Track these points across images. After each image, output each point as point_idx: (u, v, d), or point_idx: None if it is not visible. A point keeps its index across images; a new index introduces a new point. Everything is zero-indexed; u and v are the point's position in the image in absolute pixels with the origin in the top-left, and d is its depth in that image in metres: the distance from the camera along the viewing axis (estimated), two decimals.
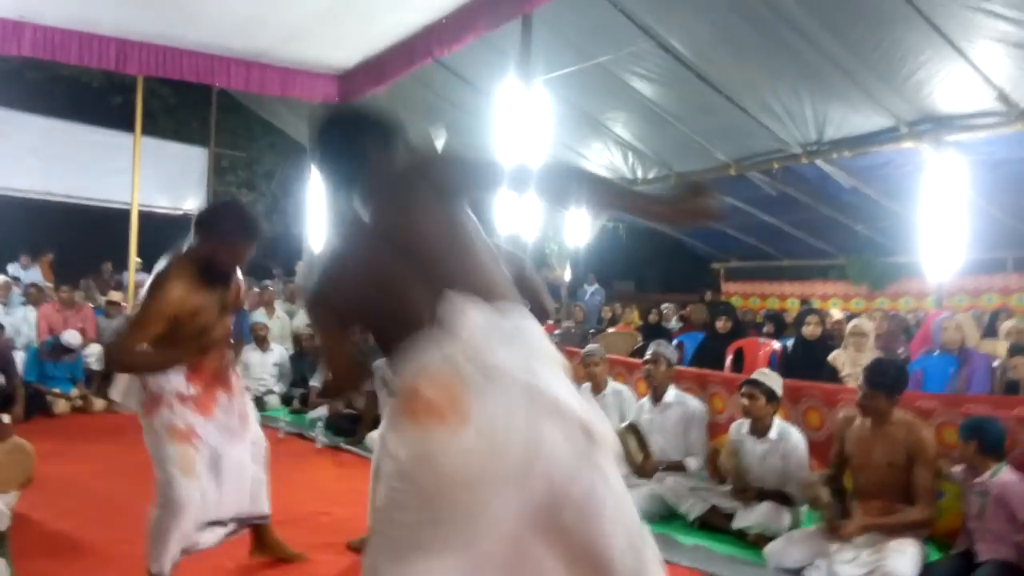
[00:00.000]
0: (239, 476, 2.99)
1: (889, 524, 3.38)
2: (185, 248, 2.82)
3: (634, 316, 9.64)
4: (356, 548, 3.48)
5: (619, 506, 1.59)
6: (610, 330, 8.98)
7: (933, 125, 6.55)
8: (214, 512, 2.91)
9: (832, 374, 5.09)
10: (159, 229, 9.19)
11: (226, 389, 3.02)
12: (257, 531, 3.26)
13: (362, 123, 1.90)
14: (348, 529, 3.68)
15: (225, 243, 2.77)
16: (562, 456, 1.52)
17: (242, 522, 3.11)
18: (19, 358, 6.91)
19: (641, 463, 4.45)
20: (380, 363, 2.95)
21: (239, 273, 3.03)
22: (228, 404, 3.00)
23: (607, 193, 1.81)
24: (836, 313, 8.05)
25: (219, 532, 3.02)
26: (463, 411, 1.49)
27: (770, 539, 3.64)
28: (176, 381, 2.85)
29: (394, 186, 1.78)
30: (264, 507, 3.16)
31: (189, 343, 2.81)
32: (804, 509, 3.98)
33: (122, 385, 2.96)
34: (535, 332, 1.66)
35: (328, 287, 1.80)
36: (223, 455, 2.91)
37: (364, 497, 3.93)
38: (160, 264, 2.80)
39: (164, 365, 2.81)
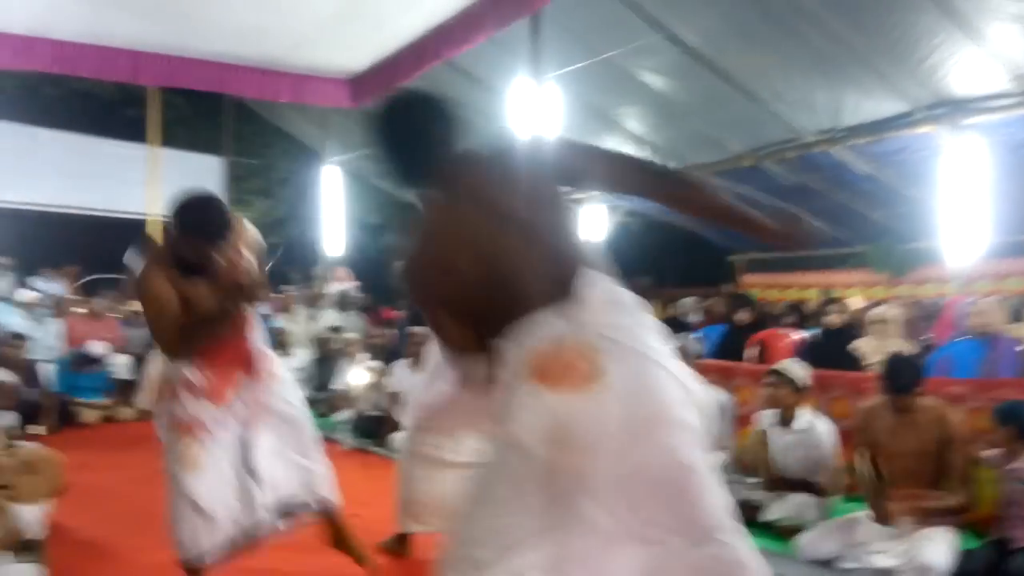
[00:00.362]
0: (269, 463, 2.90)
1: (932, 507, 3.35)
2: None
3: (653, 310, 9.60)
4: (389, 549, 3.50)
5: (707, 466, 1.67)
6: None
7: (949, 108, 6.48)
8: (245, 500, 2.83)
9: (856, 363, 5.06)
10: None
11: (247, 372, 2.90)
12: (325, 521, 3.15)
13: (436, 106, 1.94)
14: (378, 530, 3.70)
15: (186, 236, 2.69)
16: (676, 419, 1.61)
17: (291, 509, 2.99)
18: (48, 370, 7.00)
19: None
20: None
21: (244, 255, 2.86)
22: (249, 389, 2.89)
23: (707, 198, 1.83)
24: (858, 302, 7.98)
25: (273, 519, 2.92)
26: (602, 377, 1.55)
27: (800, 530, 3.62)
28: (183, 367, 2.77)
29: (497, 165, 1.82)
30: (316, 494, 3.04)
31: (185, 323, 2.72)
32: (834, 500, 3.95)
33: (149, 391, 2.97)
34: (631, 299, 1.73)
35: (425, 269, 1.79)
36: (247, 442, 2.85)
37: (392, 497, 3.97)
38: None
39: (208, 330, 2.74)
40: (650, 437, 1.59)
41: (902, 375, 3.49)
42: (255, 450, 2.87)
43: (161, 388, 2.81)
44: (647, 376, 1.60)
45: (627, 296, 1.73)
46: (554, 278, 1.67)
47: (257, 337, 2.99)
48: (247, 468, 2.85)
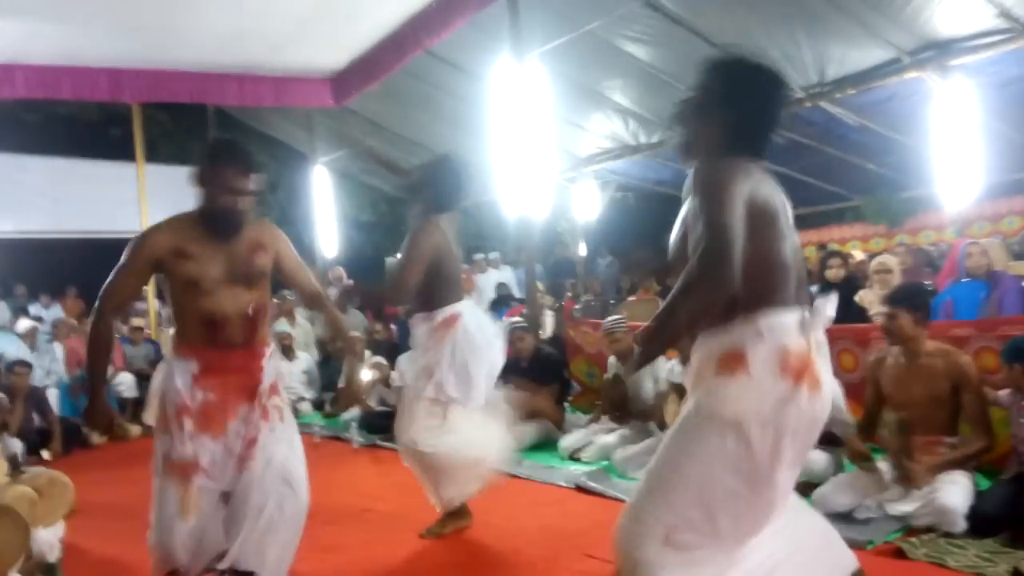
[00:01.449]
0: (242, 512, 2.43)
1: (956, 459, 3.31)
2: None
3: (653, 282, 9.57)
4: (434, 534, 3.55)
5: None
6: (631, 299, 8.92)
7: (936, 52, 6.40)
8: (207, 544, 2.47)
9: (860, 314, 5.02)
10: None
11: (251, 401, 2.49)
12: None
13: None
14: (395, 523, 3.69)
15: (215, 167, 2.48)
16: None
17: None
18: (52, 395, 7.00)
19: None
20: None
21: (266, 234, 2.67)
22: (247, 420, 2.48)
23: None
24: (858, 254, 7.94)
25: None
26: (820, 377, 1.80)
27: (816, 486, 3.60)
28: (181, 385, 2.44)
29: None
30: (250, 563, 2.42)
31: (186, 311, 2.47)
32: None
33: (155, 408, 2.57)
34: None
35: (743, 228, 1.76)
36: (237, 484, 2.45)
37: (407, 490, 3.97)
38: None
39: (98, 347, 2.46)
40: (812, 435, 1.86)
41: (906, 291, 3.50)
42: (235, 494, 2.47)
43: (157, 414, 2.53)
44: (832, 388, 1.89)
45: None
46: (800, 280, 1.87)
47: (273, 367, 2.63)
48: (226, 511, 2.49)
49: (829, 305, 1.87)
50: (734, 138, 1.88)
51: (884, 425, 3.46)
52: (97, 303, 2.50)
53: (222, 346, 2.49)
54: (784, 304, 1.81)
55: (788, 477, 1.83)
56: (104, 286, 2.50)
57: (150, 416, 2.70)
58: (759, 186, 1.81)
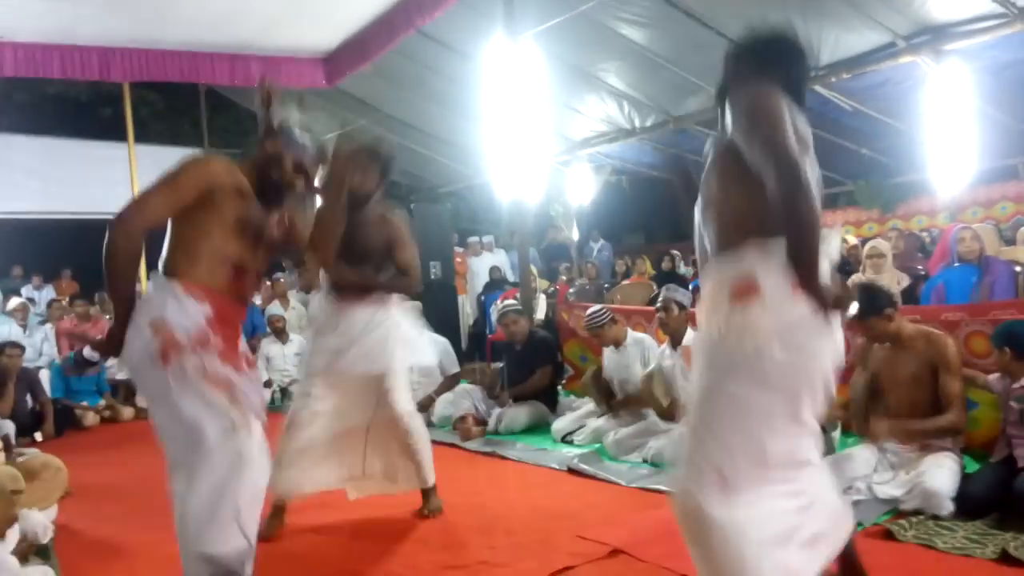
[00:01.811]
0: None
1: (920, 428, 3.37)
2: None
3: (647, 266, 9.60)
4: (439, 509, 3.60)
5: None
6: (624, 282, 8.94)
7: (931, 36, 6.38)
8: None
9: None
10: (163, 235, 9.21)
11: (247, 361, 2.37)
12: None
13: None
14: (386, 504, 3.70)
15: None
16: None
17: None
18: (44, 377, 6.98)
19: (667, 407, 4.46)
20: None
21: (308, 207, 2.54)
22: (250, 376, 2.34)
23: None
24: (850, 239, 7.96)
25: None
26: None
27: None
28: (196, 318, 2.18)
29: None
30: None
31: (215, 251, 2.25)
32: (836, 435, 3.95)
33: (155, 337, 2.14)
34: None
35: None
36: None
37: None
38: None
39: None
40: (834, 357, 1.91)
41: (868, 300, 3.48)
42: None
43: (166, 341, 2.14)
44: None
45: None
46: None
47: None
48: None
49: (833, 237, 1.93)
50: (784, 84, 1.95)
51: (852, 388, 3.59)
52: (124, 215, 2.17)
53: (236, 297, 2.34)
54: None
55: (817, 401, 1.88)
56: (136, 201, 2.23)
57: (141, 398, 2.67)
58: (796, 117, 1.87)
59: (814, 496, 1.96)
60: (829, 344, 1.86)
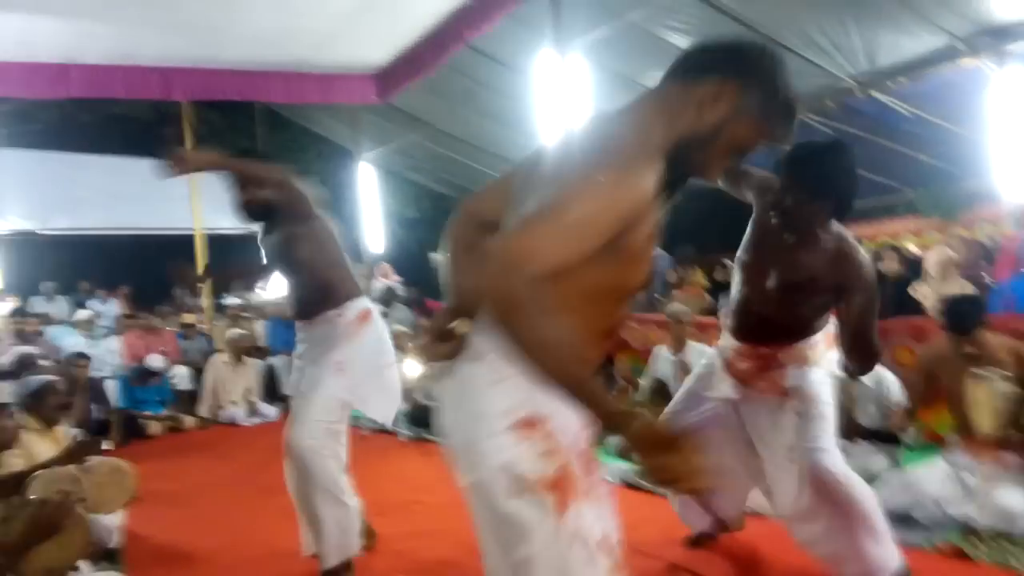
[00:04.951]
0: None
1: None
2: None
3: (699, 277, 9.47)
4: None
5: None
6: (676, 292, 8.83)
7: (991, 37, 6.19)
8: None
9: (917, 308, 4.91)
10: (225, 250, 9.46)
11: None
12: None
13: None
14: (442, 515, 3.72)
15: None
16: None
17: None
18: (110, 387, 7.20)
19: None
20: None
21: None
22: None
23: None
24: (912, 248, 7.76)
25: None
26: None
27: (871, 481, 3.52)
28: (576, 424, 1.44)
29: None
30: None
31: (618, 290, 1.48)
32: (903, 450, 3.85)
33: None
34: None
35: None
36: None
37: (454, 483, 4.00)
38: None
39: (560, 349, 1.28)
40: None
41: (964, 315, 3.34)
42: None
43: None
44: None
45: None
46: None
47: None
48: None
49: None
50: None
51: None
52: (532, 257, 1.25)
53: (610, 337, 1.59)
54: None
55: None
56: (544, 228, 1.28)
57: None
58: None
59: None
60: None
